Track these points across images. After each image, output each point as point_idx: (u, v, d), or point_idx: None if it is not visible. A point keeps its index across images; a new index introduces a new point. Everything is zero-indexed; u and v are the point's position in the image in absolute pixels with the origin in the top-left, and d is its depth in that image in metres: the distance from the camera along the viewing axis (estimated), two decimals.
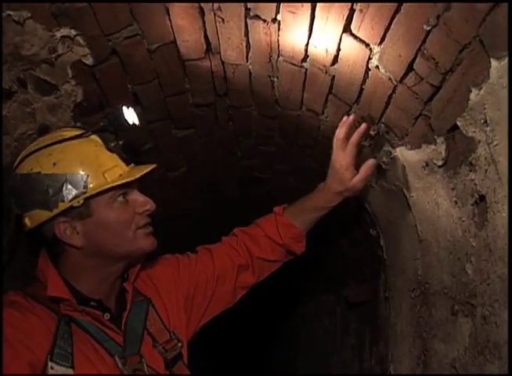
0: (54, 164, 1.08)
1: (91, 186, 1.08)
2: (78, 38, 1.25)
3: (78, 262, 1.13)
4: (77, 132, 1.14)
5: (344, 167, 1.40)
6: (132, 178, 1.12)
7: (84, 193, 1.07)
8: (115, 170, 1.12)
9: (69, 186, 1.06)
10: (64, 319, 1.05)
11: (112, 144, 1.13)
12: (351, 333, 2.72)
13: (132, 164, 1.17)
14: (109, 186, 1.08)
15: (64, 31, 1.20)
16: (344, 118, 1.40)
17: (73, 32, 1.22)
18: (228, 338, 6.46)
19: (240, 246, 1.48)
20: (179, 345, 1.24)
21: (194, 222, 3.21)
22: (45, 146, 1.11)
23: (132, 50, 1.40)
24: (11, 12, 1.06)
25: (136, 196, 1.16)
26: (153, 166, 1.19)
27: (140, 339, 1.17)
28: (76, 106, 1.46)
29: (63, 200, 1.06)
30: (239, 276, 1.46)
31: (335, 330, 3.13)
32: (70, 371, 1.00)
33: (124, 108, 1.20)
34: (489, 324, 1.09)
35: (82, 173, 1.07)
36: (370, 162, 1.41)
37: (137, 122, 1.23)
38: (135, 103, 1.62)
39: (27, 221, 1.12)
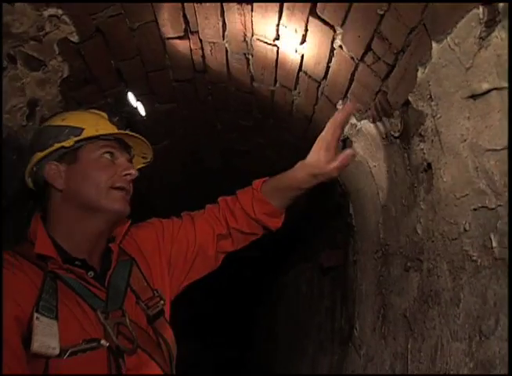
0: (62, 119, 1.26)
1: (82, 135, 1.23)
2: (64, 17, 1.34)
3: (59, 208, 1.22)
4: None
5: (325, 147, 1.35)
6: (118, 132, 1.25)
7: (77, 136, 1.22)
8: (108, 130, 1.26)
9: (67, 132, 1.22)
10: (50, 276, 1.12)
11: (114, 119, 1.29)
12: (325, 296, 2.90)
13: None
14: (96, 134, 1.23)
15: (51, 11, 1.29)
16: (345, 105, 1.40)
17: (60, 11, 1.31)
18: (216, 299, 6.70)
19: (221, 215, 1.54)
20: (161, 302, 1.31)
21: (177, 194, 3.32)
22: (60, 113, 1.31)
23: (115, 28, 1.49)
24: None
25: (123, 160, 1.27)
26: (142, 137, 1.32)
27: (123, 295, 1.24)
28: (63, 81, 1.55)
29: (58, 142, 1.21)
30: (219, 244, 1.52)
31: (312, 295, 3.31)
32: (54, 322, 1.05)
33: (129, 93, 1.34)
34: (432, 276, 1.24)
35: (80, 126, 1.24)
36: (348, 152, 1.34)
37: (143, 113, 1.37)
38: (119, 80, 1.72)
39: (27, 173, 1.26)
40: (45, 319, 1.04)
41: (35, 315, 1.02)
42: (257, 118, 2.23)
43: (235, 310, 7.19)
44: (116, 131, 1.27)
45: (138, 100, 1.40)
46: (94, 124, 1.25)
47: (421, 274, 1.33)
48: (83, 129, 1.23)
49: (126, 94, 1.38)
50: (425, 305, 1.28)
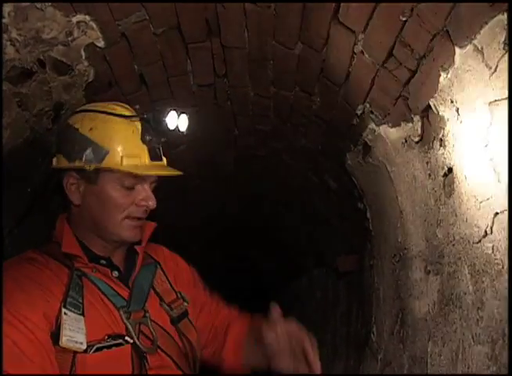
0: (91, 129, 1.17)
1: (105, 161, 1.16)
2: (92, 23, 1.38)
3: (79, 219, 1.22)
4: (127, 113, 1.21)
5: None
6: (138, 173, 1.17)
7: (97, 163, 1.16)
8: (134, 159, 1.18)
9: (90, 152, 1.16)
10: (76, 273, 1.15)
11: (148, 137, 1.20)
12: (340, 301, 2.90)
13: (159, 162, 1.23)
14: (115, 168, 1.16)
15: (80, 17, 1.33)
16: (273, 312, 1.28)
17: (88, 18, 1.35)
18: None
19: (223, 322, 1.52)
20: (185, 304, 1.34)
21: (192, 198, 3.36)
22: (96, 111, 1.21)
23: (139, 34, 1.52)
24: None
25: (143, 189, 1.21)
26: (174, 172, 1.24)
27: (146, 296, 1.26)
28: (88, 85, 1.58)
29: (80, 159, 1.16)
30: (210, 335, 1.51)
31: (326, 300, 3.31)
32: (81, 318, 1.08)
33: (171, 113, 1.27)
34: (454, 279, 1.25)
35: (105, 147, 1.16)
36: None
37: (183, 129, 1.30)
38: (141, 84, 1.76)
39: (54, 160, 1.23)
40: (72, 315, 1.07)
41: (63, 310, 1.06)
42: (274, 123, 2.25)
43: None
44: (141, 172, 1.18)
45: (182, 113, 1.33)
46: (122, 145, 1.17)
47: (442, 278, 1.33)
48: (107, 152, 1.16)
49: (167, 113, 1.28)
50: (446, 309, 1.29)
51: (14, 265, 1.13)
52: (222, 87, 1.97)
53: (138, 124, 1.21)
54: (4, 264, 1.13)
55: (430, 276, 1.42)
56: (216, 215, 4.07)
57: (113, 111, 1.21)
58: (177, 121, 1.33)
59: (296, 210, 3.36)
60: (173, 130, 1.32)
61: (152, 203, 1.21)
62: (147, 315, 1.22)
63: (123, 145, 1.17)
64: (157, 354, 1.20)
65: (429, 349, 1.39)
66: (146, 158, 1.20)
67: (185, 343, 1.27)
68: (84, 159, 1.17)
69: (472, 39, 1.00)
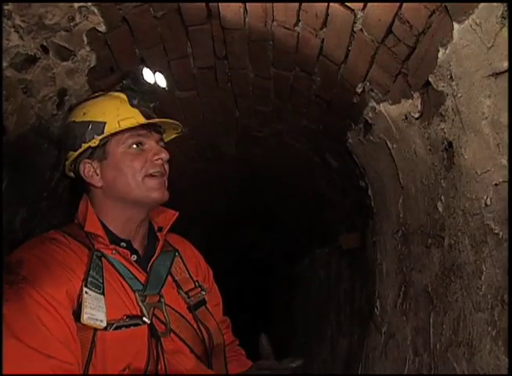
0: (84, 113, 1.29)
1: (105, 131, 1.26)
2: (93, 8, 1.39)
3: (102, 200, 1.29)
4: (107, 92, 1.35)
5: None
6: (138, 123, 1.27)
7: (100, 135, 1.26)
8: (131, 120, 1.28)
9: (90, 130, 1.26)
10: (96, 254, 1.20)
11: (135, 101, 1.31)
12: (343, 279, 2.95)
13: (153, 119, 1.33)
14: (118, 129, 1.26)
15: (81, 2, 1.34)
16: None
17: (89, 3, 1.36)
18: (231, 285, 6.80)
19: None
20: (203, 292, 1.39)
21: (196, 179, 3.38)
22: (83, 102, 1.35)
23: (140, 18, 1.54)
24: None
25: (151, 145, 1.29)
26: (169, 120, 1.35)
27: (162, 282, 1.31)
28: (90, 70, 1.60)
29: (84, 142, 1.27)
30: None
31: (329, 278, 3.36)
32: (101, 298, 1.13)
33: (145, 69, 1.39)
34: (454, 251, 1.29)
35: (102, 120, 1.27)
36: None
37: (163, 85, 1.42)
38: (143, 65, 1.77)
39: (66, 168, 1.33)
40: (93, 294, 1.12)
41: (84, 289, 1.10)
42: (275, 104, 2.27)
43: (250, 298, 7.27)
44: (136, 122, 1.27)
45: (156, 72, 1.46)
46: (115, 114, 1.27)
47: (442, 250, 1.37)
48: (105, 123, 1.26)
49: (141, 71, 1.42)
50: (447, 280, 1.33)
51: (38, 243, 1.17)
52: (223, 69, 1.99)
53: (123, 95, 1.33)
54: (27, 243, 1.18)
55: (432, 249, 1.45)
56: (217, 197, 4.11)
57: (96, 95, 1.37)
58: (153, 77, 1.46)
59: (298, 190, 3.39)
60: (153, 86, 1.45)
61: (164, 155, 1.29)
62: (162, 300, 1.26)
63: (116, 112, 1.28)
64: (171, 338, 1.24)
65: (431, 320, 1.43)
66: (140, 118, 1.30)
67: (203, 330, 1.31)
68: (87, 139, 1.27)
69: (470, 14, 1.01)
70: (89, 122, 1.27)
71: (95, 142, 1.26)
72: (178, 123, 1.41)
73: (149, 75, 1.42)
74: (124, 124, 1.26)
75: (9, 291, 1.02)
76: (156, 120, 1.33)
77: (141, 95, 1.34)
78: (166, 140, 1.41)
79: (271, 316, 6.84)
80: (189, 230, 4.19)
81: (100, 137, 1.26)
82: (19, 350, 0.97)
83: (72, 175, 1.34)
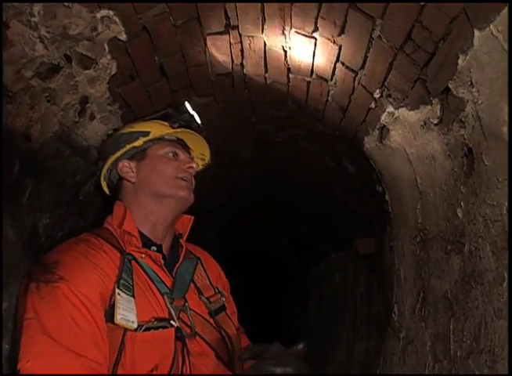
0: (131, 127, 1.52)
1: (151, 135, 1.47)
2: (115, 18, 1.41)
3: (133, 197, 1.41)
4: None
5: None
6: (180, 130, 1.51)
7: (145, 137, 1.47)
8: (174, 133, 1.51)
9: (137, 135, 1.48)
10: (127, 257, 1.25)
11: (175, 126, 1.55)
12: (360, 283, 2.94)
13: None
14: (161, 134, 1.47)
15: (103, 12, 1.37)
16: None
17: (111, 12, 1.38)
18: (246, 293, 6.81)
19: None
20: (222, 299, 1.45)
21: (212, 183, 3.40)
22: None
23: (160, 26, 1.56)
24: None
25: (185, 157, 1.49)
26: (199, 135, 1.58)
27: (187, 287, 1.37)
28: (111, 77, 1.63)
29: (129, 143, 1.46)
30: None
31: (345, 282, 3.35)
32: (132, 300, 1.18)
33: (187, 104, 1.63)
34: (475, 257, 1.28)
35: (147, 130, 1.49)
36: None
37: (199, 121, 1.66)
38: (161, 75, 1.80)
39: (102, 176, 1.51)
40: (125, 296, 1.17)
41: (117, 291, 1.16)
42: (292, 109, 2.28)
43: (266, 303, 7.27)
44: (174, 132, 1.50)
45: (193, 110, 1.67)
46: (159, 128, 1.50)
47: (463, 256, 1.36)
48: (150, 132, 1.47)
49: (184, 103, 1.64)
50: (467, 286, 1.32)
51: (73, 245, 1.24)
52: (240, 75, 2.00)
53: (165, 123, 1.57)
54: (62, 244, 1.26)
55: (452, 255, 1.45)
56: (234, 200, 4.13)
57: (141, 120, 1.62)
58: (192, 111, 1.66)
59: (313, 194, 3.39)
60: (192, 116, 1.65)
61: (194, 165, 1.48)
62: (187, 304, 1.31)
63: (159, 128, 1.52)
64: (196, 341, 1.27)
65: (451, 326, 1.43)
66: (179, 134, 1.56)
67: (224, 335, 1.34)
68: (133, 140, 1.47)
69: (491, 21, 1.01)
70: (136, 132, 1.48)
71: (139, 143, 1.45)
72: (207, 145, 1.69)
73: (189, 108, 1.64)
74: (167, 132, 1.50)
75: (45, 289, 1.09)
76: (194, 132, 1.57)
77: (180, 122, 1.57)
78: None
79: (285, 318, 6.83)
80: (206, 233, 4.22)
81: (145, 139, 1.45)
82: (50, 347, 1.02)
83: (105, 186, 1.50)
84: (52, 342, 1.02)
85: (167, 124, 1.55)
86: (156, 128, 1.50)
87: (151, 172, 1.42)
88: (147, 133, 1.47)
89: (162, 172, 1.41)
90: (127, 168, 1.44)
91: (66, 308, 1.07)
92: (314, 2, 1.42)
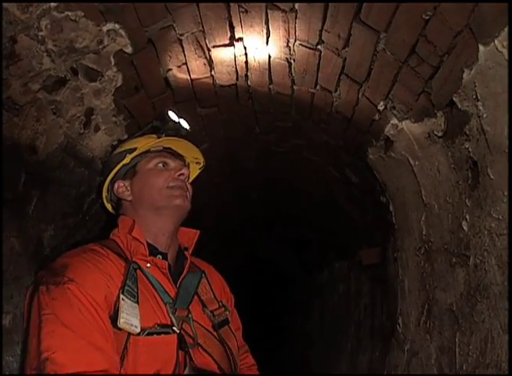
0: (121, 146, 1.56)
1: (136, 152, 1.49)
2: (121, 31, 1.42)
3: (133, 214, 1.44)
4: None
5: None
6: (163, 139, 1.52)
7: (131, 153, 1.49)
8: (158, 143, 1.51)
9: (123, 154, 1.50)
10: (133, 266, 1.28)
11: (162, 136, 1.55)
12: (363, 294, 2.93)
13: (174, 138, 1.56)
14: (146, 148, 1.48)
15: (109, 26, 1.38)
16: None
17: (117, 26, 1.39)
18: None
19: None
20: (226, 312, 1.45)
21: (216, 192, 3.41)
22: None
23: (165, 39, 1.57)
24: (69, 13, 1.23)
25: (175, 164, 1.48)
26: (184, 140, 1.57)
27: (190, 299, 1.37)
28: (116, 89, 1.63)
29: (119, 162, 1.49)
30: None
31: (348, 293, 3.34)
32: (136, 306, 1.21)
33: (170, 113, 1.63)
34: (480, 270, 1.28)
35: (134, 147, 1.51)
36: None
37: (186, 126, 1.67)
38: (166, 87, 1.81)
39: (104, 198, 1.56)
40: (129, 302, 1.19)
41: (121, 296, 1.18)
42: (295, 120, 2.29)
43: (268, 312, 7.24)
44: (160, 142, 1.51)
45: (180, 117, 1.67)
46: (145, 142, 1.51)
47: (468, 269, 1.36)
48: (136, 148, 1.50)
49: (168, 113, 1.64)
50: (473, 299, 1.32)
51: (80, 252, 1.28)
52: (244, 86, 2.01)
53: (153, 135, 1.58)
54: (70, 252, 1.31)
55: (457, 268, 1.44)
56: (237, 210, 4.13)
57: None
58: (178, 119, 1.67)
59: (317, 204, 3.39)
60: (177, 123, 1.66)
61: (185, 171, 1.47)
62: (190, 315, 1.32)
63: (145, 141, 1.53)
64: (199, 351, 1.28)
65: (457, 339, 1.42)
66: (166, 142, 1.56)
67: (226, 348, 1.34)
68: (121, 159, 1.50)
69: (496, 36, 1.02)
70: (124, 150, 1.51)
71: (127, 160, 1.47)
72: (196, 148, 1.64)
73: (174, 116, 1.65)
74: (152, 145, 1.50)
75: (56, 290, 1.12)
76: (178, 139, 1.56)
77: (166, 131, 1.58)
78: (192, 177, 1.64)
79: (287, 328, 6.79)
80: (208, 242, 4.21)
81: (131, 155, 1.47)
82: (72, 340, 1.06)
83: (110, 204, 1.56)
84: (73, 335, 1.06)
85: (154, 136, 1.55)
86: (143, 143, 1.51)
87: (143, 187, 1.44)
88: (134, 149, 1.49)
89: (153, 185, 1.42)
90: (122, 187, 1.47)
91: (77, 306, 1.11)
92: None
